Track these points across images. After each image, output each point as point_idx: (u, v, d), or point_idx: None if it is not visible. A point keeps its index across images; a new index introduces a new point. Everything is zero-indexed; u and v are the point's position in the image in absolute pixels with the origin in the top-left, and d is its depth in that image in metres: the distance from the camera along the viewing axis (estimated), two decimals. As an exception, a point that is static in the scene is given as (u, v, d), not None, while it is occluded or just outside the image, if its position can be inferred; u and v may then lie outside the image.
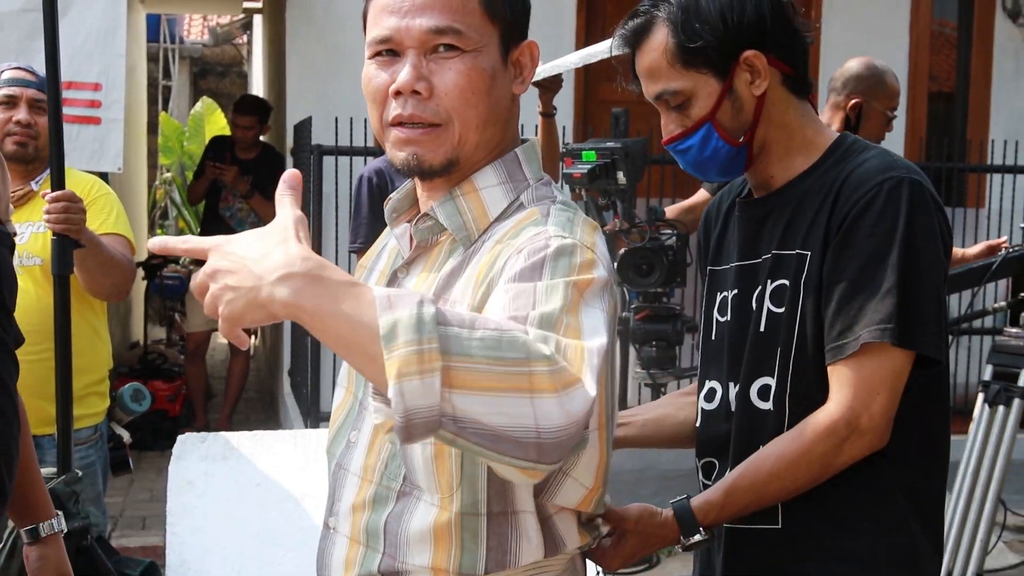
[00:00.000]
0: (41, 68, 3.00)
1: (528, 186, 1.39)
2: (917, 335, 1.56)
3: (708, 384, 1.77)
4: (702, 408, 1.78)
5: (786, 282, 1.64)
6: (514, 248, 1.26)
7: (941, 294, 1.62)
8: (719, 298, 1.77)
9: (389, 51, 1.34)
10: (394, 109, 1.34)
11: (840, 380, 1.57)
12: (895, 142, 5.04)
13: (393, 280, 1.43)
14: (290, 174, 1.18)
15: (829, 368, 1.59)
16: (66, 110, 3.91)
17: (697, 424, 1.80)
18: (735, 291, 1.73)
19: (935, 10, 6.52)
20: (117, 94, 4.69)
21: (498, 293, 1.21)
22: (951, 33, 6.82)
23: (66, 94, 4.15)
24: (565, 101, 5.54)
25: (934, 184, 1.70)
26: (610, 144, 3.16)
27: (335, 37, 5.50)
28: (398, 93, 1.33)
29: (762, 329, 1.67)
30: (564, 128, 5.03)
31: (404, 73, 1.32)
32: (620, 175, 3.11)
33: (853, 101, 3.43)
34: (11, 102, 3.09)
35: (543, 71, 3.16)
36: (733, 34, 1.62)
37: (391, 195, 1.50)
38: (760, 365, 1.66)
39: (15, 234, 2.12)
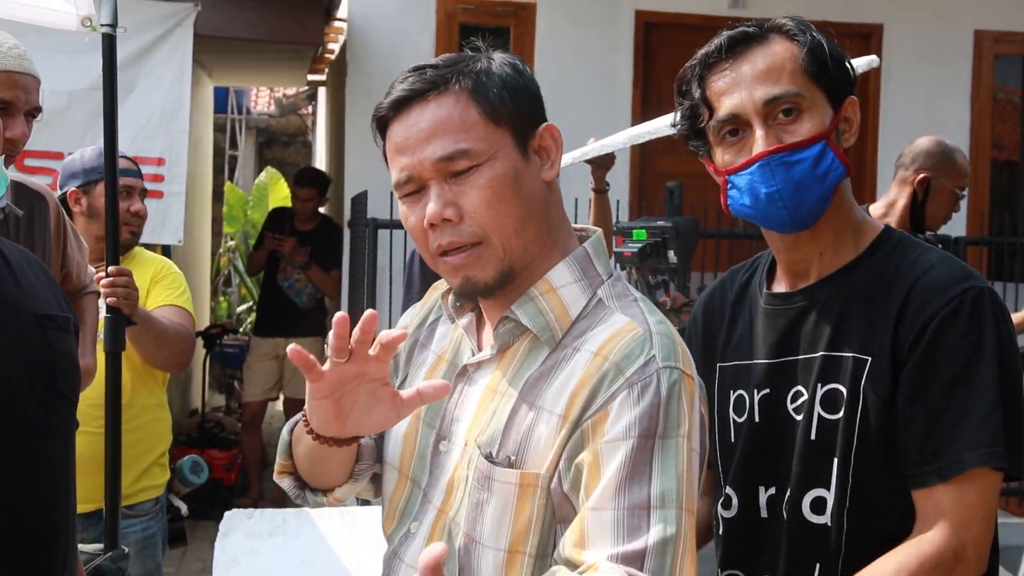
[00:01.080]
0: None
1: (602, 282, 1.40)
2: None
3: (726, 490, 1.68)
4: (721, 516, 1.69)
5: (841, 387, 1.54)
6: (624, 380, 1.28)
7: None
8: (734, 396, 1.68)
9: (414, 189, 1.37)
10: (434, 240, 1.37)
11: (938, 505, 1.46)
12: (957, 215, 4.94)
13: (463, 374, 1.44)
14: None
15: (921, 491, 1.48)
16: (130, 184, 3.99)
17: (719, 533, 1.70)
18: (766, 391, 1.63)
19: (997, 76, 6.45)
20: (180, 168, 4.80)
21: (618, 446, 1.25)
22: (1016, 101, 6.73)
23: (130, 169, 4.26)
24: (621, 175, 5.56)
25: (997, 259, 1.64)
26: (660, 223, 3.15)
27: (393, 111, 5.57)
28: (432, 225, 1.35)
29: (813, 437, 1.56)
30: (619, 202, 5.03)
31: (431, 206, 1.35)
32: (671, 254, 3.10)
33: (922, 176, 3.39)
34: (126, 192, 3.12)
35: (593, 150, 3.17)
36: (845, 73, 1.58)
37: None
38: (813, 475, 1.56)
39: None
